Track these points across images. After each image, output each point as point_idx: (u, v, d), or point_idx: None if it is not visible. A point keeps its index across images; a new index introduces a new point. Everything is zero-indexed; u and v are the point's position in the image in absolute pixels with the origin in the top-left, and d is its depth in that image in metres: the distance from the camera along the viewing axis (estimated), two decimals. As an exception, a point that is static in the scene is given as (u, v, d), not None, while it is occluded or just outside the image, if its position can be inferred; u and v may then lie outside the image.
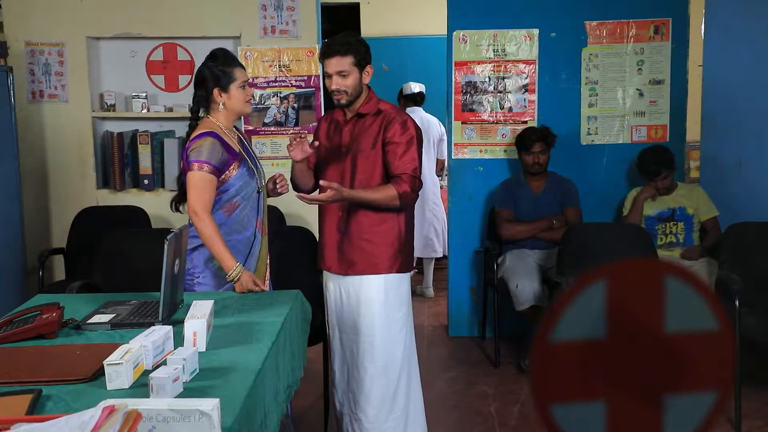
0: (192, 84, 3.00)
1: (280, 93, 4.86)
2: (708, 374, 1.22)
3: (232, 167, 2.88)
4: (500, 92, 4.85)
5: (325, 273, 3.20)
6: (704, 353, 1.20)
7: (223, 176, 2.87)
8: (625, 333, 1.16)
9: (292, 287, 2.90)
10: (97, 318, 2.47)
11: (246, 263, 2.93)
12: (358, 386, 3.13)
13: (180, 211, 3.05)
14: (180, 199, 3.02)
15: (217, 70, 2.91)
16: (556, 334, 1.14)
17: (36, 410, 1.78)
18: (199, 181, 2.81)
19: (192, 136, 2.89)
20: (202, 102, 2.96)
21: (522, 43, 4.81)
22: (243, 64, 4.71)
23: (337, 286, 3.15)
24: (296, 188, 3.14)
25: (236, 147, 2.94)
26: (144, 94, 4.91)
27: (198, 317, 2.21)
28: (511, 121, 4.86)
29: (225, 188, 2.88)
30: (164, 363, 1.95)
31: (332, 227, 3.09)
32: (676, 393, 1.19)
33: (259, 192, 3.01)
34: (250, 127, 4.86)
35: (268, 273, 3.09)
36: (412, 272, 3.30)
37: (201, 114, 2.99)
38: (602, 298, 1.14)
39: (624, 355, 1.16)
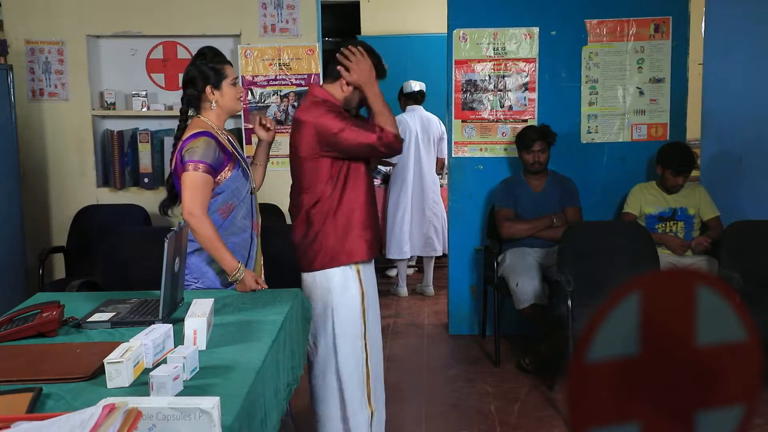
0: (183, 83, 2.94)
1: (280, 91, 4.86)
2: (736, 387, 1.18)
3: (227, 168, 2.83)
4: (500, 91, 4.85)
5: (362, 267, 3.03)
6: (733, 365, 1.16)
7: (218, 177, 2.81)
8: (658, 348, 1.11)
9: (292, 286, 2.91)
10: (97, 316, 2.47)
11: (246, 264, 2.90)
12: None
13: (168, 215, 3.00)
14: (170, 202, 2.97)
15: (209, 68, 2.87)
16: (593, 353, 1.09)
17: (36, 408, 1.78)
18: (195, 182, 2.75)
19: (185, 137, 2.83)
20: (193, 101, 2.91)
21: (522, 42, 4.80)
22: (242, 62, 4.77)
23: (371, 275, 3.10)
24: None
25: (229, 147, 2.90)
26: (144, 93, 4.91)
27: (198, 315, 2.21)
28: (511, 120, 4.86)
29: (220, 190, 2.83)
30: (164, 361, 1.95)
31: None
32: (707, 409, 1.15)
33: (252, 193, 2.98)
34: (250, 126, 4.86)
35: (262, 273, 3.07)
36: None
37: (190, 114, 2.94)
38: (636, 312, 1.09)
39: (658, 372, 1.12)
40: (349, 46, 2.97)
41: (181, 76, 4.93)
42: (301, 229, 3.04)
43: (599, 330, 1.09)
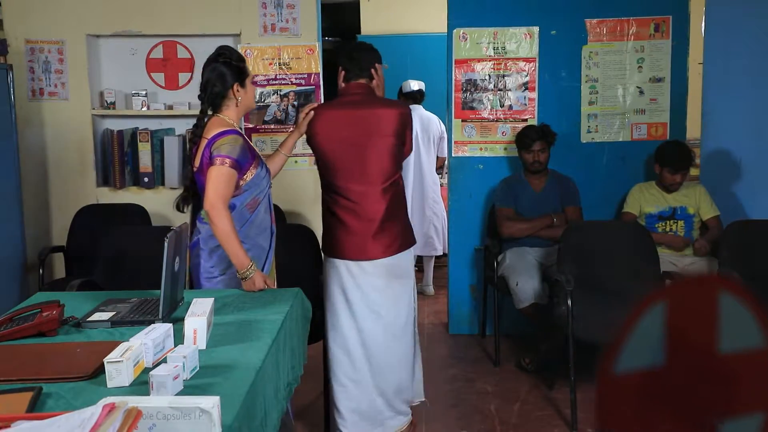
0: (205, 81, 2.97)
1: (281, 91, 4.85)
2: (755, 395, 1.16)
3: (252, 166, 2.91)
4: (500, 90, 4.85)
5: None
6: (753, 373, 1.14)
7: (246, 175, 2.88)
8: (683, 358, 1.09)
9: (292, 285, 2.91)
10: (98, 316, 2.47)
11: (267, 257, 3.00)
12: None
13: (183, 211, 3.04)
14: (191, 199, 3.02)
15: (234, 66, 2.94)
16: (620, 365, 1.08)
17: (36, 408, 1.78)
18: (221, 175, 2.80)
19: (211, 134, 2.86)
20: (215, 100, 2.95)
21: (522, 41, 4.80)
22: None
23: None
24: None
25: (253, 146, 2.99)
26: (144, 92, 4.90)
27: (198, 315, 2.21)
28: (511, 119, 4.86)
29: (247, 186, 2.90)
30: (164, 361, 1.95)
31: None
32: (728, 418, 1.13)
33: (269, 187, 3.07)
34: (251, 125, 4.86)
35: (275, 269, 3.15)
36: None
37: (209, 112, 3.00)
38: (661, 322, 1.08)
39: (683, 382, 1.10)
40: (378, 65, 3.35)
41: (180, 75, 5.00)
42: (396, 216, 3.32)
43: (626, 341, 1.08)
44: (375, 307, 3.30)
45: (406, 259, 3.35)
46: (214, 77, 2.93)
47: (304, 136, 3.33)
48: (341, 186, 3.25)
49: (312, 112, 3.27)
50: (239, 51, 3.07)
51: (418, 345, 3.56)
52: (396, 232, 3.29)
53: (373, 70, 3.31)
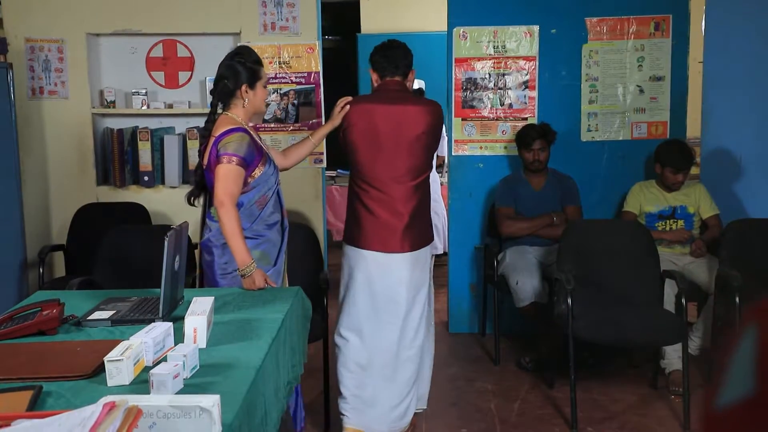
0: (217, 77, 3.00)
1: (281, 90, 4.85)
2: None
3: (260, 164, 2.93)
4: (500, 89, 4.84)
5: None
6: None
7: (254, 172, 2.91)
8: None
9: (292, 284, 2.91)
10: (98, 314, 2.47)
11: (280, 253, 3.03)
12: None
13: (194, 205, 3.08)
14: (198, 192, 3.06)
15: (247, 67, 2.97)
16: (722, 398, 0.99)
17: (36, 406, 1.78)
18: (228, 173, 2.83)
19: (219, 132, 2.90)
20: (225, 97, 2.99)
21: (522, 40, 4.80)
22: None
23: None
24: None
25: (259, 143, 3.01)
26: (144, 91, 4.90)
27: (198, 314, 2.21)
28: (511, 118, 4.85)
29: (255, 183, 2.93)
30: (164, 359, 1.95)
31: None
32: None
33: (278, 184, 3.09)
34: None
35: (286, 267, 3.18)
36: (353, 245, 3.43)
37: (218, 110, 3.03)
38: (753, 346, 0.99)
39: None
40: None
41: (180, 74, 5.00)
42: (424, 212, 3.41)
43: (725, 373, 1.03)
44: (397, 297, 3.34)
45: (427, 251, 3.46)
46: (227, 75, 2.98)
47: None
48: (374, 178, 3.29)
49: (347, 106, 3.29)
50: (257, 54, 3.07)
51: (431, 340, 3.60)
52: (422, 227, 3.39)
53: (407, 69, 3.39)
